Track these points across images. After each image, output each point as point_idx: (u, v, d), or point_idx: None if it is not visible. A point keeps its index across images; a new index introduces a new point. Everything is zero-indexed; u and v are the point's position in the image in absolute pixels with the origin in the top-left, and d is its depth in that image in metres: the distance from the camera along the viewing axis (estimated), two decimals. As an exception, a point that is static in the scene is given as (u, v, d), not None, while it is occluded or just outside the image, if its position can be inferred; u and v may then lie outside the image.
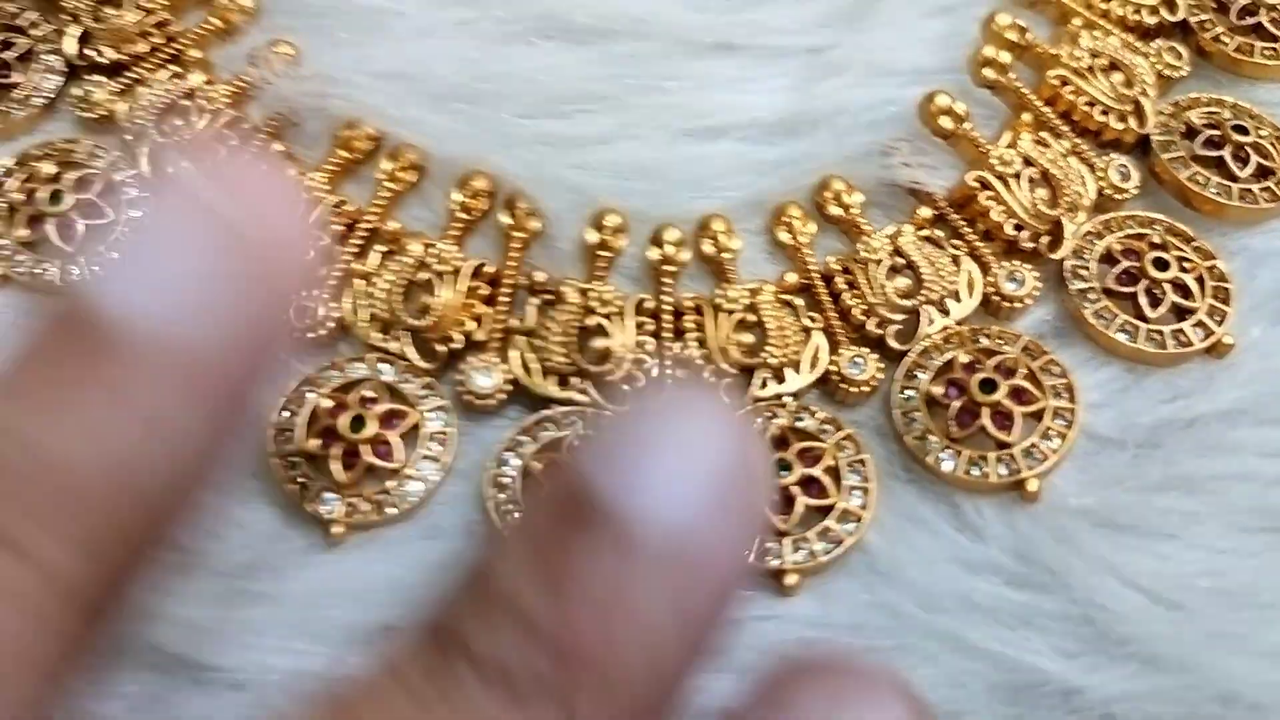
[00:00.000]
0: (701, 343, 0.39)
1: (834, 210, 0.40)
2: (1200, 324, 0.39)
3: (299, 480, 0.37)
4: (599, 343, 0.38)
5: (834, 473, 0.37)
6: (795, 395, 0.38)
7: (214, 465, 0.26)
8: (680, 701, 0.25)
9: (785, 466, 0.36)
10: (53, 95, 0.43)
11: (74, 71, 0.43)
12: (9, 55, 0.43)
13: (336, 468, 0.37)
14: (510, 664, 0.22)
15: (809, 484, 0.36)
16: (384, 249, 0.40)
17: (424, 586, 0.36)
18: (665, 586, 0.23)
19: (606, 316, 0.39)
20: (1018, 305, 0.39)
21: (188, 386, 0.24)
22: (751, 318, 0.39)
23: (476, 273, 0.39)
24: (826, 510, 0.36)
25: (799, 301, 0.39)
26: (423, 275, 0.39)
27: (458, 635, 0.23)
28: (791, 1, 0.43)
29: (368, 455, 0.37)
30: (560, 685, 0.22)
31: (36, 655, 0.23)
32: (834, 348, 0.39)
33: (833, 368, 0.38)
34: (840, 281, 0.39)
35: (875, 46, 0.42)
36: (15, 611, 0.22)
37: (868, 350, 0.38)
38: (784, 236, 0.40)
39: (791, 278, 0.40)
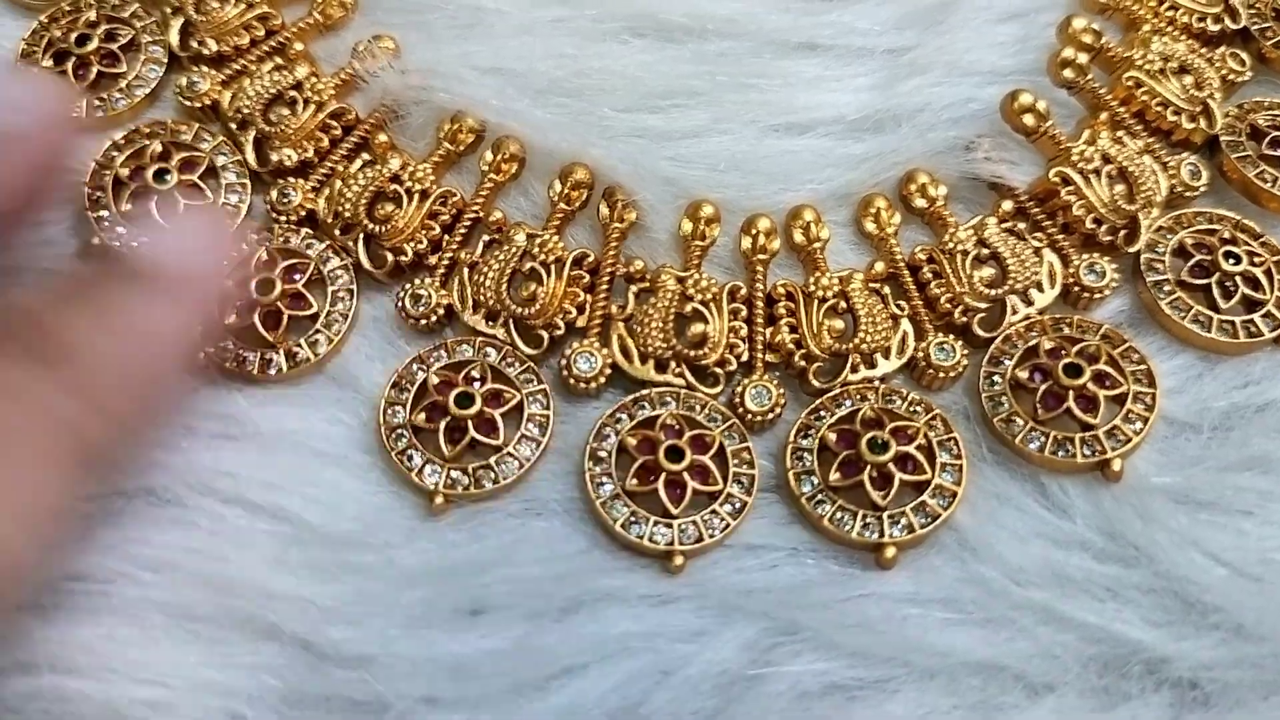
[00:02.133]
0: (794, 328, 0.40)
1: (919, 202, 0.42)
2: (1269, 315, 0.41)
3: (406, 452, 0.39)
4: (696, 328, 0.40)
5: (927, 450, 0.38)
6: (883, 379, 0.40)
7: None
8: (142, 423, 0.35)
9: (882, 445, 0.38)
10: (155, 84, 0.44)
11: (176, 61, 0.45)
12: (114, 45, 0.44)
13: (442, 441, 0.39)
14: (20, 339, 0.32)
15: (904, 461, 0.38)
16: (488, 238, 0.42)
17: (515, 560, 0.38)
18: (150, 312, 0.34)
19: (703, 303, 0.40)
20: (1097, 296, 0.41)
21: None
22: (843, 305, 0.40)
23: (578, 262, 0.41)
24: (922, 486, 0.38)
25: (886, 290, 0.41)
26: (527, 264, 0.41)
27: None
28: (871, 4, 0.45)
29: (473, 431, 0.39)
30: (50, 362, 0.31)
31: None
32: (920, 334, 0.40)
33: (919, 354, 0.40)
34: (926, 271, 0.41)
35: (953, 48, 0.44)
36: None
37: (953, 337, 0.40)
38: (870, 227, 0.42)
39: (879, 267, 0.41)
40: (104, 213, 0.42)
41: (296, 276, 0.41)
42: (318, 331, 0.40)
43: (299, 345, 0.40)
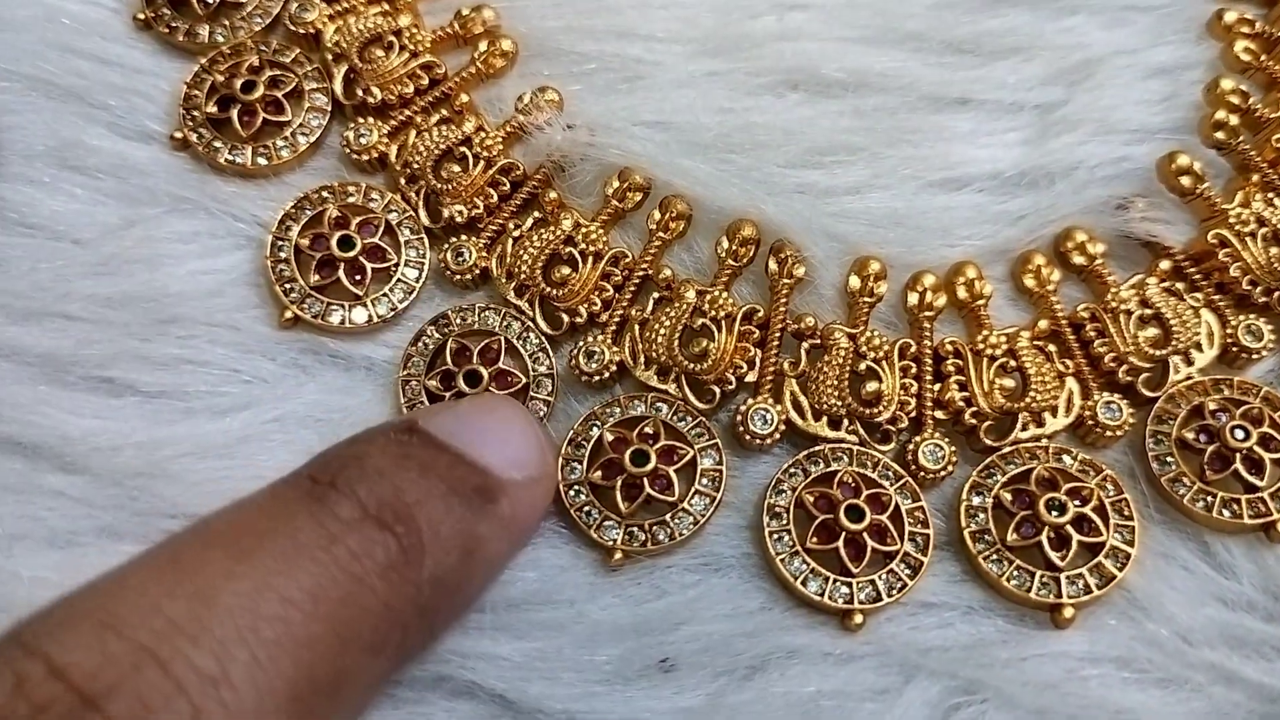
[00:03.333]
0: (963, 385, 0.41)
1: (1078, 259, 0.43)
2: None
3: (585, 509, 0.39)
4: (871, 386, 0.41)
5: (1101, 511, 0.39)
6: (1050, 437, 0.41)
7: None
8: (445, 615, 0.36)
9: (1060, 507, 0.39)
10: (319, 133, 0.44)
11: (339, 109, 0.45)
12: (279, 93, 0.45)
13: (619, 498, 0.40)
14: (365, 504, 0.33)
15: (1080, 523, 0.39)
16: (658, 295, 0.42)
17: (701, 616, 0.39)
18: (496, 528, 0.35)
19: (875, 361, 0.41)
20: (1255, 357, 0.42)
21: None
22: (1011, 363, 0.41)
23: (748, 317, 0.42)
24: (1095, 547, 0.39)
25: (1051, 347, 0.42)
26: (698, 321, 0.41)
27: (332, 479, 0.34)
28: (1018, 60, 0.46)
29: (649, 487, 0.40)
30: (393, 528, 0.33)
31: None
32: (1085, 393, 0.41)
33: (1086, 412, 0.41)
34: (1089, 329, 0.42)
35: (1101, 105, 0.45)
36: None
37: (1119, 396, 0.41)
38: (1030, 283, 0.43)
39: (1043, 324, 0.42)
40: (291, 285, 0.42)
41: (493, 357, 0.41)
42: (533, 398, 0.41)
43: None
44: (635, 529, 0.39)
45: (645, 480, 0.40)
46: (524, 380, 0.41)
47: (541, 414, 0.41)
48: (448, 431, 0.36)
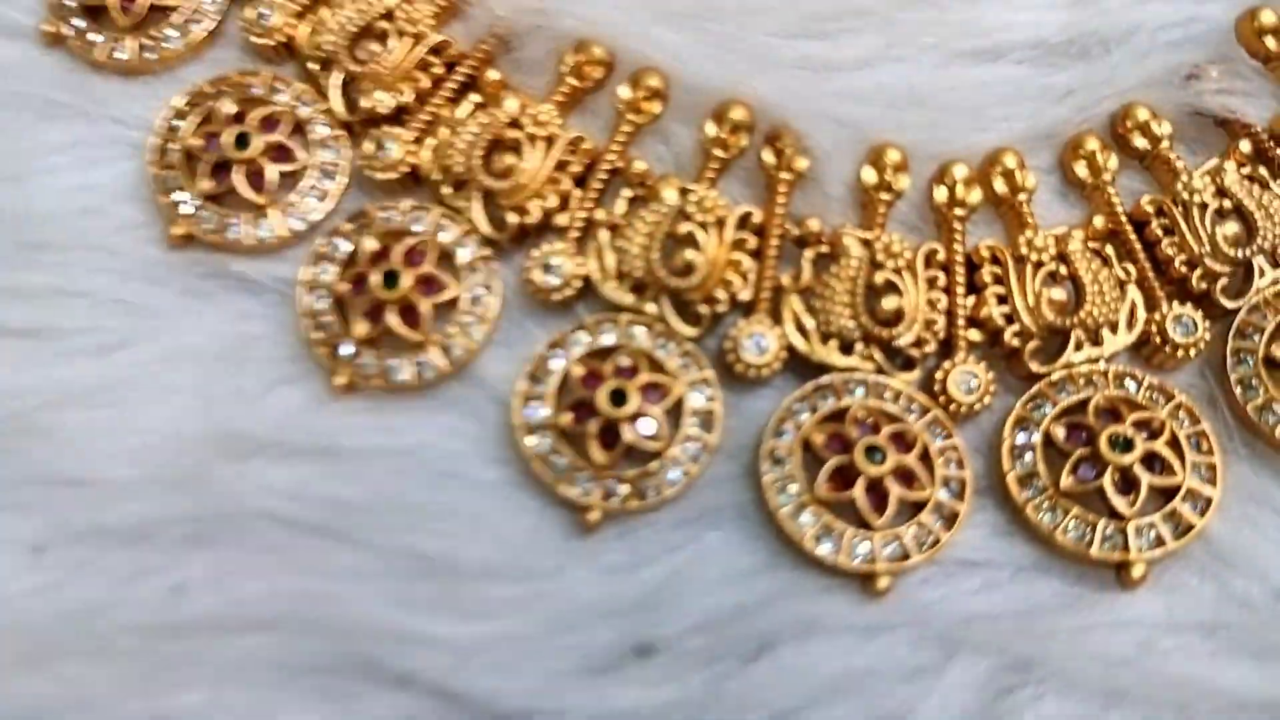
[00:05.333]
0: (1002, 299, 0.34)
1: (1140, 142, 0.36)
2: None
3: (551, 459, 0.33)
4: (890, 301, 0.34)
5: (1176, 447, 0.32)
6: (1109, 359, 0.34)
7: None
8: None
9: (1125, 443, 0.32)
10: (218, 19, 0.37)
11: (237, -10, 0.38)
12: (165, -29, 0.37)
13: (594, 446, 0.33)
14: None
15: (1151, 461, 0.32)
16: (631, 194, 0.35)
17: (693, 588, 0.33)
18: None
19: (895, 271, 0.34)
20: (1358, 254, 0.35)
21: None
22: (1062, 270, 0.34)
23: (743, 222, 0.34)
24: (1171, 492, 0.32)
25: (1109, 250, 0.35)
26: (682, 226, 0.34)
27: None
28: (1064, -98, 0.39)
29: (629, 434, 0.33)
30: None
31: None
32: (1151, 304, 0.34)
33: (1152, 328, 0.34)
34: (1155, 227, 0.35)
35: (1166, -47, 0.38)
36: None
37: (1191, 306, 0.34)
38: (1082, 173, 0.36)
39: (1098, 222, 0.35)
40: (182, 195, 0.35)
41: (417, 259, 0.34)
42: (466, 315, 0.34)
43: (452, 335, 0.34)
44: (614, 483, 0.33)
45: (625, 424, 0.33)
46: (454, 291, 0.34)
47: (476, 334, 0.34)
48: None
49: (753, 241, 0.35)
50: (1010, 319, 0.34)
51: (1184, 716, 0.31)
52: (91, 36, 0.37)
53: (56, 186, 0.36)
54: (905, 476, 0.32)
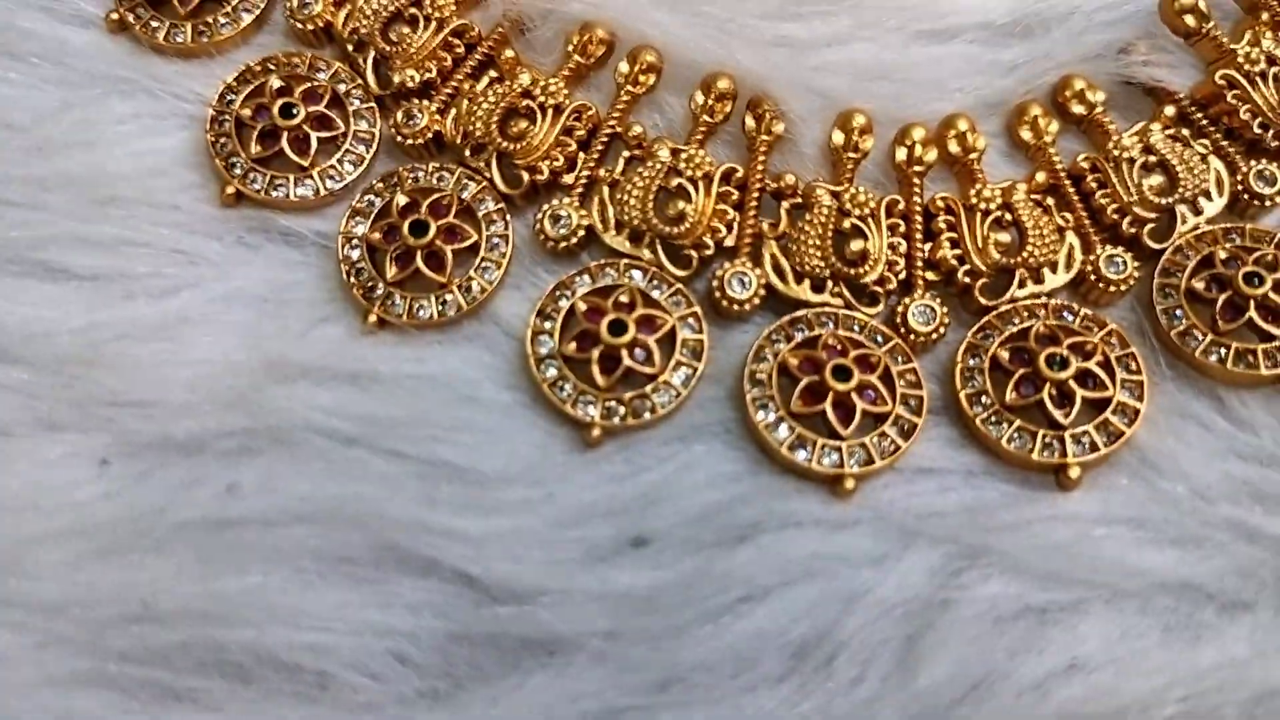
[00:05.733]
0: (955, 243, 0.38)
1: (1076, 109, 0.40)
2: None
3: (558, 384, 0.37)
4: (856, 245, 0.38)
5: (1108, 367, 0.36)
6: (1051, 294, 0.38)
7: None
8: None
9: (1062, 362, 0.36)
10: (262, 7, 0.42)
11: (284, -19, 0.42)
12: (218, -35, 0.42)
13: (596, 371, 0.37)
14: None
15: (1085, 378, 0.36)
16: (628, 154, 0.40)
17: (683, 490, 0.37)
18: None
19: (861, 219, 0.38)
20: (1268, 204, 0.39)
21: None
22: (1007, 217, 0.38)
23: (726, 177, 0.39)
24: (1101, 404, 0.36)
25: (1049, 201, 0.39)
26: (673, 181, 0.39)
27: None
28: (1008, -96, 0.43)
29: (628, 360, 0.37)
30: None
31: None
32: (1087, 247, 0.39)
33: (1088, 267, 0.38)
34: (1090, 181, 0.39)
35: (1098, -54, 0.42)
36: None
37: (1122, 249, 0.38)
38: (1027, 135, 0.40)
39: (1041, 177, 0.39)
40: (235, 159, 0.40)
41: (442, 212, 0.39)
42: (484, 260, 0.38)
43: (471, 277, 0.38)
44: (614, 403, 0.37)
45: (624, 351, 0.37)
46: (474, 237, 0.38)
47: (492, 277, 0.38)
48: None
49: (736, 195, 0.39)
50: (962, 260, 0.38)
51: (1111, 594, 0.34)
52: (153, 23, 0.41)
53: (124, 152, 0.40)
54: (869, 393, 0.37)
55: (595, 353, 0.37)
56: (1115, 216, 0.39)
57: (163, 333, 0.38)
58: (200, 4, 0.42)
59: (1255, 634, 0.34)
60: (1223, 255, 0.38)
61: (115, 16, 0.41)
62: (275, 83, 0.40)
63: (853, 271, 0.38)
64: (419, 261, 0.38)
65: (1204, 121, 0.40)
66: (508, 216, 0.39)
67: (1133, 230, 0.39)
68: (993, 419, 0.36)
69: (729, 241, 0.39)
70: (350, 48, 0.41)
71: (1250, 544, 0.35)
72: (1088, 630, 0.34)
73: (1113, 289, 0.38)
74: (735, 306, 0.38)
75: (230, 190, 0.39)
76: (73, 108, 0.41)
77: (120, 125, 0.40)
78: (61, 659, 0.34)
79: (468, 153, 0.39)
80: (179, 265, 0.39)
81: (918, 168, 0.39)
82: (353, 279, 0.38)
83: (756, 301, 0.38)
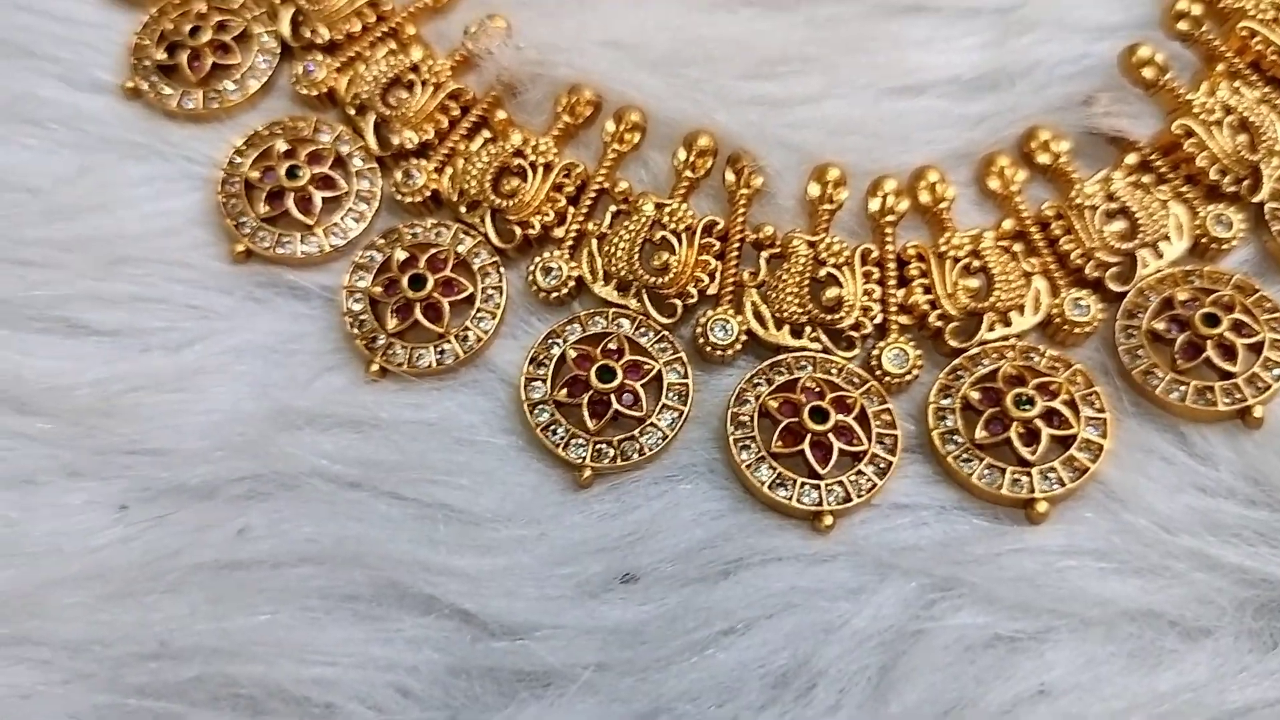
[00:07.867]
0: (927, 289, 0.40)
1: (1042, 159, 0.42)
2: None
3: (551, 428, 0.39)
4: (832, 292, 0.40)
5: (1072, 405, 0.38)
6: (1019, 337, 0.40)
7: None
8: None
9: (1028, 401, 0.38)
10: (269, 74, 0.44)
11: (288, 51, 0.45)
12: (226, 36, 0.44)
13: (586, 415, 0.39)
14: None
15: (1050, 417, 0.38)
16: (615, 209, 0.42)
17: (669, 528, 0.38)
18: None
19: (836, 267, 0.40)
20: (1225, 247, 0.41)
21: None
22: (975, 263, 0.40)
23: (708, 229, 0.41)
24: (1068, 441, 0.38)
25: (1016, 247, 0.41)
26: (658, 234, 0.41)
27: None
28: (973, -37, 0.45)
29: (616, 404, 0.39)
30: None
31: None
32: (1053, 291, 0.40)
33: (1054, 310, 0.40)
34: (1056, 227, 0.41)
35: (1059, 4, 0.44)
36: None
37: (1087, 292, 0.40)
38: (994, 185, 0.42)
39: (1008, 225, 0.41)
40: (244, 218, 0.42)
41: (439, 266, 0.41)
42: (480, 311, 0.40)
43: (468, 327, 0.40)
44: (604, 446, 0.39)
45: (612, 396, 0.39)
46: (471, 289, 0.41)
47: (487, 326, 0.40)
48: None
49: (717, 246, 0.41)
50: (934, 305, 0.40)
51: (1077, 623, 0.36)
52: (165, 91, 0.44)
53: (138, 213, 0.42)
54: (845, 433, 0.38)
55: (585, 398, 0.39)
56: (1080, 261, 0.40)
57: (177, 384, 0.40)
58: (210, 72, 0.44)
59: (1215, 659, 0.36)
60: (1182, 296, 0.40)
61: (130, 85, 0.44)
62: (281, 145, 0.43)
63: (829, 317, 0.40)
64: (418, 313, 0.40)
65: (1164, 169, 0.42)
66: (502, 269, 0.41)
67: (1097, 274, 0.40)
68: (964, 456, 0.38)
69: (711, 290, 0.41)
70: (352, 111, 0.43)
71: (1210, 573, 0.37)
72: (1055, 658, 0.36)
73: (1078, 330, 0.40)
74: (718, 352, 0.40)
75: (240, 248, 0.41)
76: (89, 172, 0.43)
77: (134, 188, 0.43)
78: (84, 695, 0.36)
79: (463, 209, 0.42)
80: (192, 319, 0.41)
81: (890, 217, 0.41)
82: (356, 330, 0.40)
83: (738, 347, 0.40)
